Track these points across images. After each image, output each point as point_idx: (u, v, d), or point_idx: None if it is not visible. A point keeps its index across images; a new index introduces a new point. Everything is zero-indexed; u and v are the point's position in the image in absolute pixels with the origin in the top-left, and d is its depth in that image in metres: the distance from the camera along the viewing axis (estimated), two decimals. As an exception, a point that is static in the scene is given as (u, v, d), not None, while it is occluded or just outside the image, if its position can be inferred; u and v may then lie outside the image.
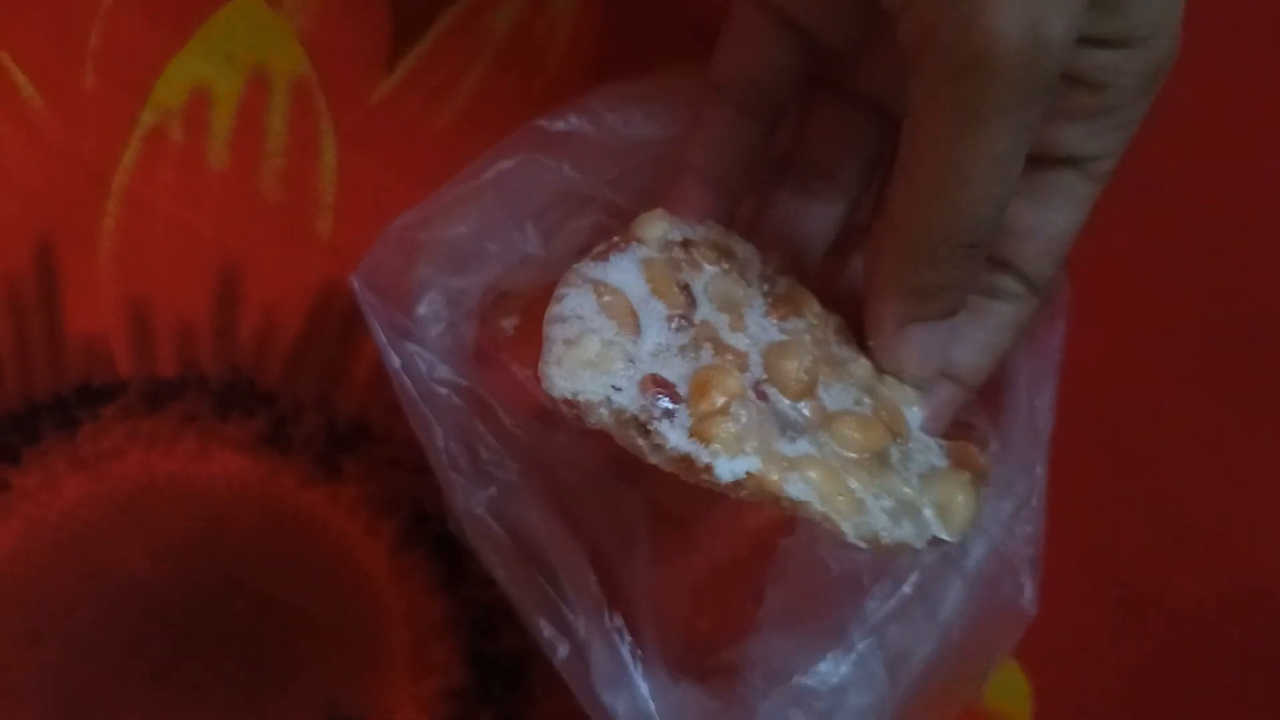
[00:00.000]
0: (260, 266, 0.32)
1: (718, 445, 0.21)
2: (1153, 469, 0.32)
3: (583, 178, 0.29)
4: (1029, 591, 0.27)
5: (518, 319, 0.31)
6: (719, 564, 0.29)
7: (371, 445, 0.32)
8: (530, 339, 0.29)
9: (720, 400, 0.21)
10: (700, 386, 0.22)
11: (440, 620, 0.30)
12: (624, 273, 0.23)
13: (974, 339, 0.25)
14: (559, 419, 0.23)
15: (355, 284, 0.28)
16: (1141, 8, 0.22)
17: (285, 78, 0.33)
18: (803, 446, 0.22)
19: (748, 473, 0.21)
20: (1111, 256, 0.32)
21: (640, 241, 0.24)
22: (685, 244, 0.24)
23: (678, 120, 0.28)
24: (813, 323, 0.24)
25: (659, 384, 0.22)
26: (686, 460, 0.21)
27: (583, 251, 0.30)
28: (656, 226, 0.25)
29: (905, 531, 0.22)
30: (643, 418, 0.21)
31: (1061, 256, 0.25)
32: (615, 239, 0.24)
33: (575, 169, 0.29)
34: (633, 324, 0.22)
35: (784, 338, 0.24)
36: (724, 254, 0.25)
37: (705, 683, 0.28)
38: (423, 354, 0.28)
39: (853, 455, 0.22)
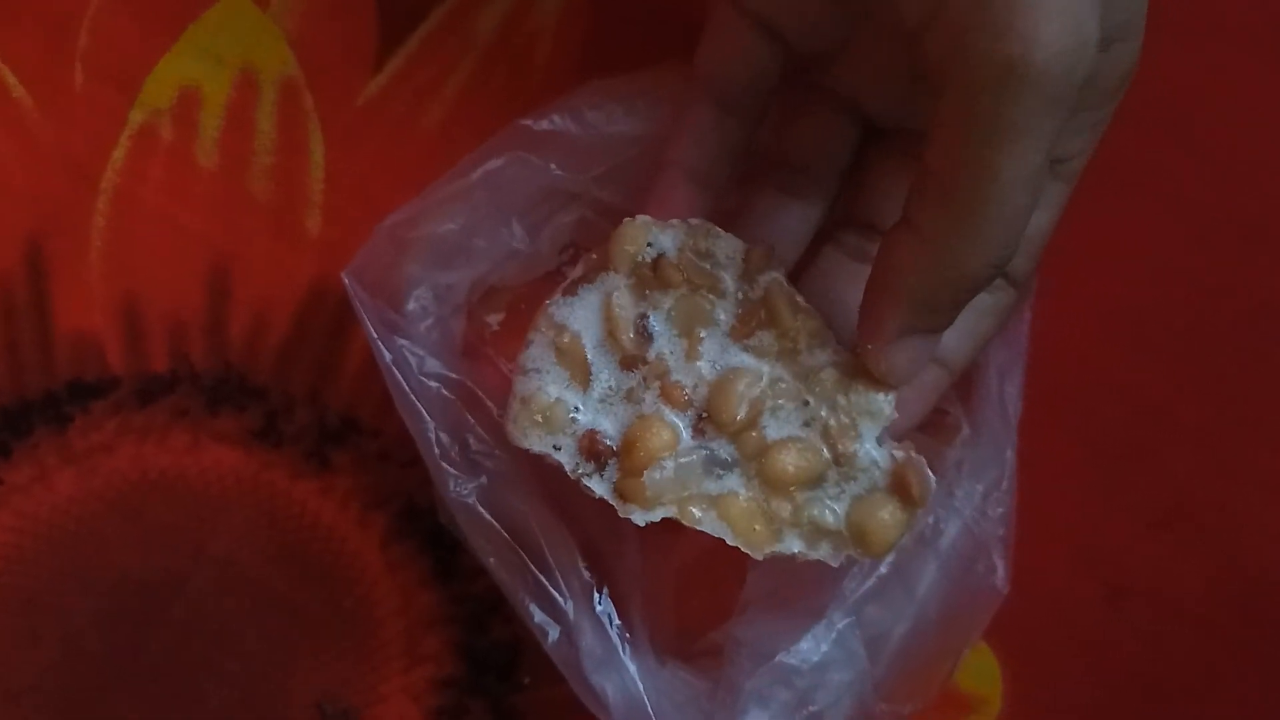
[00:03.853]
0: (250, 264, 0.33)
1: (633, 505, 0.24)
2: (1133, 457, 0.32)
3: (568, 175, 0.29)
4: (1001, 570, 0.28)
5: (503, 314, 0.31)
6: (705, 548, 0.29)
7: (362, 439, 0.32)
8: (515, 334, 0.30)
9: (645, 456, 0.24)
10: (629, 445, 0.24)
11: (431, 611, 0.31)
12: (587, 311, 0.25)
13: (957, 326, 0.24)
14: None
15: (346, 280, 0.28)
16: (1114, 11, 0.22)
17: (273, 78, 0.34)
18: (729, 483, 0.24)
19: (663, 517, 0.24)
20: (1096, 250, 0.32)
21: (612, 270, 0.25)
22: (656, 263, 0.25)
23: (659, 116, 0.29)
24: (782, 332, 0.25)
25: (595, 440, 0.25)
26: (612, 507, 0.24)
27: (565, 249, 0.31)
28: (637, 237, 0.25)
29: (822, 551, 0.24)
30: (575, 475, 0.25)
31: (1037, 253, 0.26)
32: (593, 255, 0.26)
33: (561, 167, 0.29)
34: (585, 374, 0.25)
35: (742, 360, 0.25)
36: (701, 256, 0.25)
37: (692, 664, 0.28)
38: (412, 348, 0.28)
39: (779, 490, 0.24)
